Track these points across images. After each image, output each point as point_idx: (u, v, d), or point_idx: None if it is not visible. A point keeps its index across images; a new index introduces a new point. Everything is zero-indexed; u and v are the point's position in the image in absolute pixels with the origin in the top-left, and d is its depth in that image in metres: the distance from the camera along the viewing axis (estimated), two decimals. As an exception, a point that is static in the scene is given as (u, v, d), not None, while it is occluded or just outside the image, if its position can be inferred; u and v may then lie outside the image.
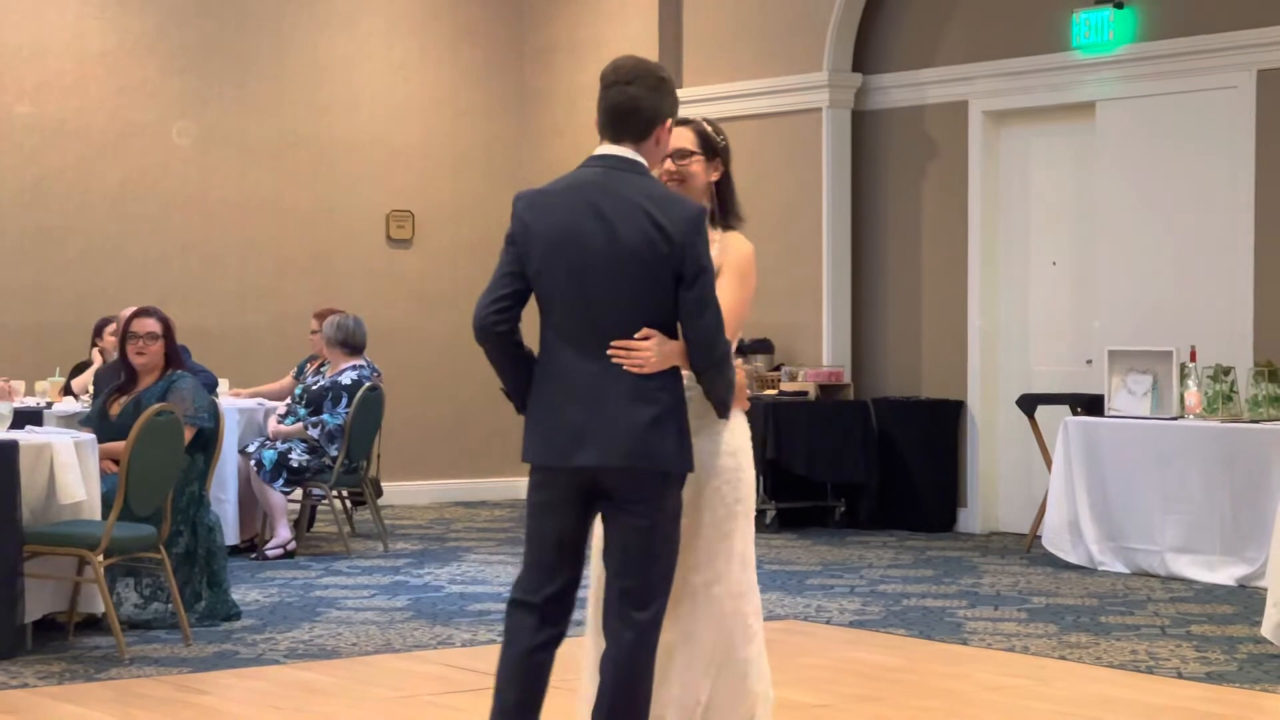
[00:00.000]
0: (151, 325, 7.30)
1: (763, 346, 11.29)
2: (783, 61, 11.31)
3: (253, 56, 11.78)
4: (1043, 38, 10.34)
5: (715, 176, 4.47)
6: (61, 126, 11.17)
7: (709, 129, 4.48)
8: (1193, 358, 8.96)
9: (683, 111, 13.02)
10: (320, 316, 10.01)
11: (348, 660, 6.52)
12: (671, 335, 4.05)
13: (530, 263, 4.09)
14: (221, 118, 11.67)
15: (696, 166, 4.42)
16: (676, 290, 4.00)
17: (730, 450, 4.37)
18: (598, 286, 4.00)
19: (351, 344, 9.64)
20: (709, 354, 4.04)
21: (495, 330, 4.10)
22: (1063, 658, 6.60)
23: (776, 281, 11.36)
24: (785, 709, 5.17)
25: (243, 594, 7.81)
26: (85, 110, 11.24)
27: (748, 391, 4.39)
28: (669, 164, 4.39)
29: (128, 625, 6.84)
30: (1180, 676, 6.26)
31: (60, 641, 6.69)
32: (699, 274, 4.00)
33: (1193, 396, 8.81)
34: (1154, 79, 9.87)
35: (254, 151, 11.78)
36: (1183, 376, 8.89)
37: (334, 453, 9.38)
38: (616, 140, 4.11)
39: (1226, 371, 8.80)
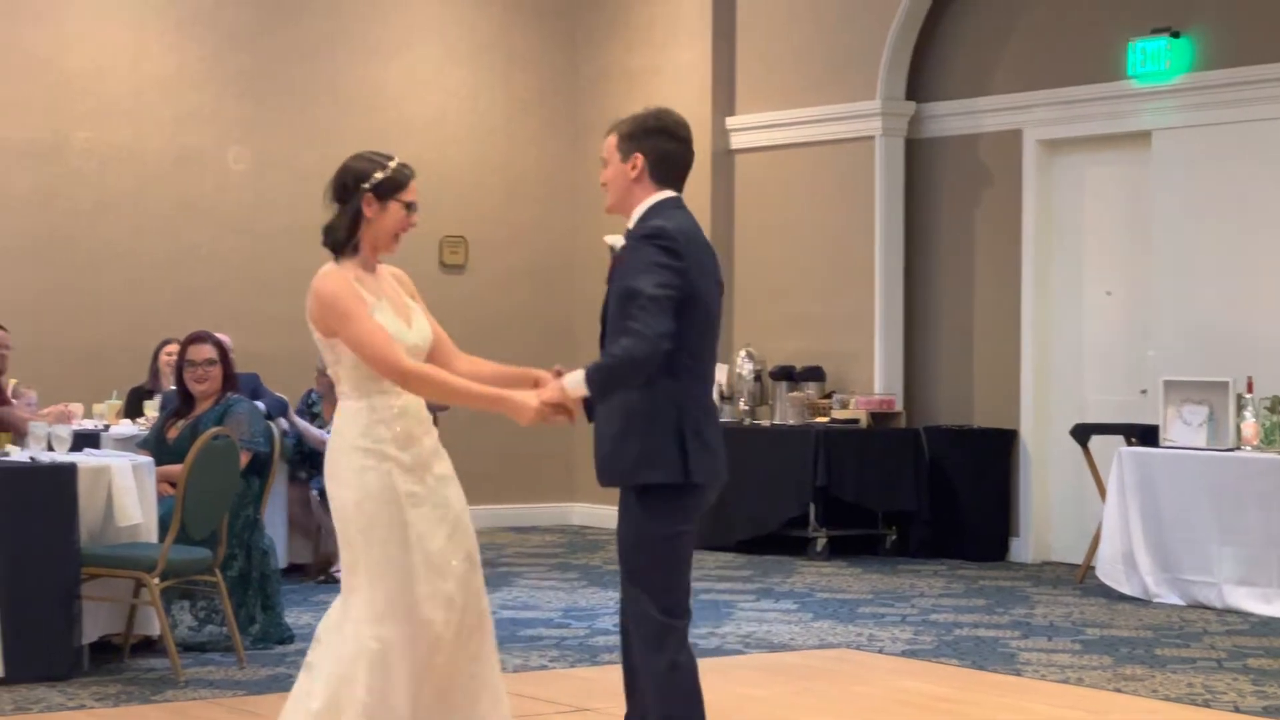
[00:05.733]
0: (208, 352, 7.35)
1: (814, 374, 11.27)
2: (836, 89, 11.31)
3: (307, 83, 11.87)
4: (1098, 67, 10.30)
5: None
6: (119, 151, 11.29)
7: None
8: (1249, 389, 8.89)
9: (736, 140, 13.17)
10: None
11: (400, 685, 6.52)
12: None
13: (694, 296, 4.37)
14: (276, 144, 11.77)
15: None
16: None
17: None
18: (715, 325, 4.48)
19: None
20: None
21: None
22: (1118, 690, 6.54)
23: (828, 309, 11.35)
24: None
25: (295, 617, 7.84)
26: (143, 135, 11.36)
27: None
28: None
29: (182, 647, 6.87)
30: (1237, 710, 6.20)
31: (116, 663, 6.74)
32: None
33: (1249, 428, 8.74)
34: (1211, 108, 9.81)
35: (307, 178, 11.83)
36: (1239, 408, 8.82)
37: None
38: (676, 189, 4.48)
39: (1284, 403, 8.73)
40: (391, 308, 4.41)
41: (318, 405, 9.68)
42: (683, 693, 4.38)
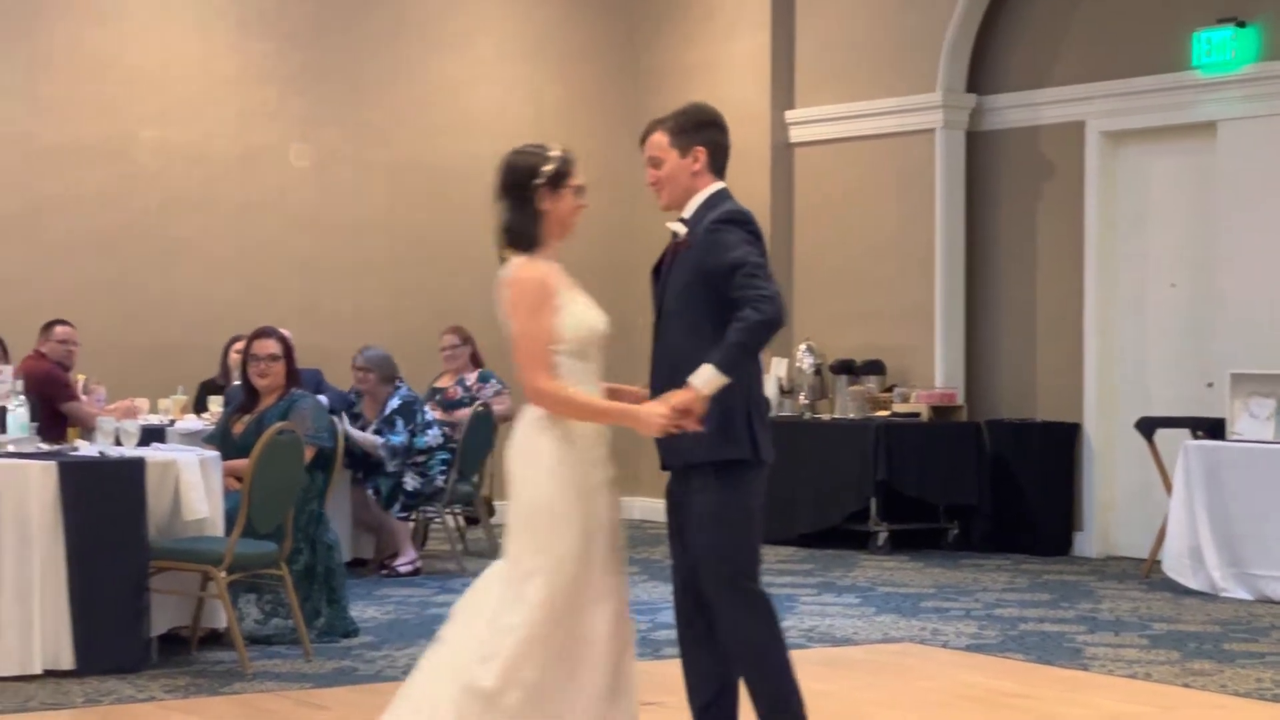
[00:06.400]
0: (271, 347, 7.42)
1: (875, 367, 11.24)
2: (896, 82, 11.27)
3: (367, 80, 11.95)
4: (1162, 57, 10.22)
5: None
6: (185, 149, 11.40)
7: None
8: (1317, 381, 8.80)
9: (795, 133, 13.11)
10: (455, 332, 10.21)
11: (465, 678, 6.55)
12: None
13: None
14: (338, 140, 11.85)
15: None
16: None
17: None
18: None
19: (393, 375, 9.66)
20: None
21: None
22: (1186, 685, 6.49)
23: (889, 302, 11.31)
24: (905, 733, 5.13)
25: (360, 611, 7.90)
26: (208, 134, 11.47)
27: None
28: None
29: (249, 640, 6.93)
30: (1308, 706, 6.14)
31: (184, 656, 6.81)
32: None
33: (1317, 420, 8.66)
34: (1277, 98, 9.71)
35: (369, 173, 11.93)
36: (1307, 400, 8.73)
37: (392, 468, 9.44)
38: (723, 180, 4.56)
39: (1353, 395, 8.63)
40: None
41: (358, 405, 9.73)
42: (788, 660, 4.52)
